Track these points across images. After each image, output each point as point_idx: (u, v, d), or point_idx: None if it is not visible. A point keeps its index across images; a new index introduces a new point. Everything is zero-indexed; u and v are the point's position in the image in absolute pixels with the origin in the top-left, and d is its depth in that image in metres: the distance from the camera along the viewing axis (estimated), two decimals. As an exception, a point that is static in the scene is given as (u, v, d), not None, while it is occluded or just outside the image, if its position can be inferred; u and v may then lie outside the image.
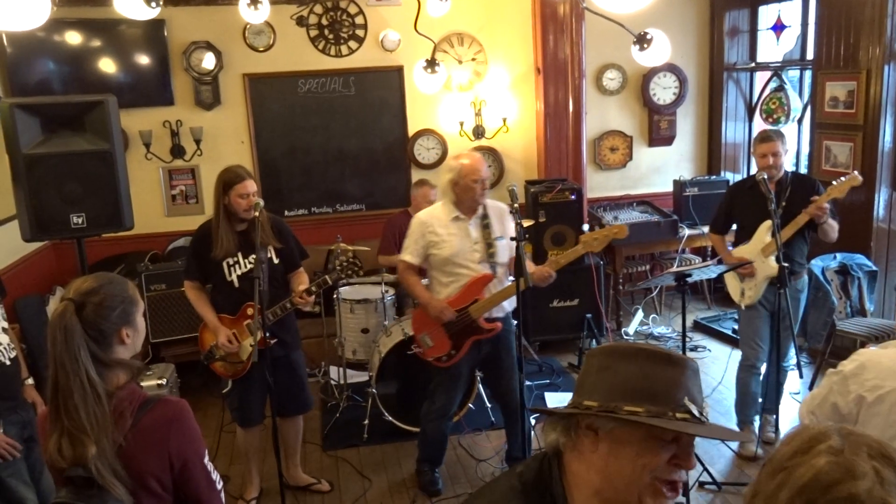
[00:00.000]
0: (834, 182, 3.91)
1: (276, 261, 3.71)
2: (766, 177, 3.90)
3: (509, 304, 3.84)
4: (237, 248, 3.62)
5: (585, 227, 3.64)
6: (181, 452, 1.85)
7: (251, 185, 3.59)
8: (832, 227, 3.98)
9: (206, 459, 1.92)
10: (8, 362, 2.92)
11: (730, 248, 4.41)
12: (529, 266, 3.62)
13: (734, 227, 4.37)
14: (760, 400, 4.27)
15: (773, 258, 3.99)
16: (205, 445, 1.94)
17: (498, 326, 3.78)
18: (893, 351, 2.23)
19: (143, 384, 1.97)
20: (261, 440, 3.95)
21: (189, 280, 3.75)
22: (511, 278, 3.75)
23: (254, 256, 3.57)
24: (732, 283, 4.29)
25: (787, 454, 1.03)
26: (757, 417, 4.28)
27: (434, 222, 3.74)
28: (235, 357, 3.71)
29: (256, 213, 3.53)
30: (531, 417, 4.34)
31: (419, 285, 3.85)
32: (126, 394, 1.85)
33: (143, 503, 1.82)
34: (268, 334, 3.48)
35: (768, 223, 3.98)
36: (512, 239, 3.39)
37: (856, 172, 3.97)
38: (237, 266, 3.65)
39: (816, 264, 4.85)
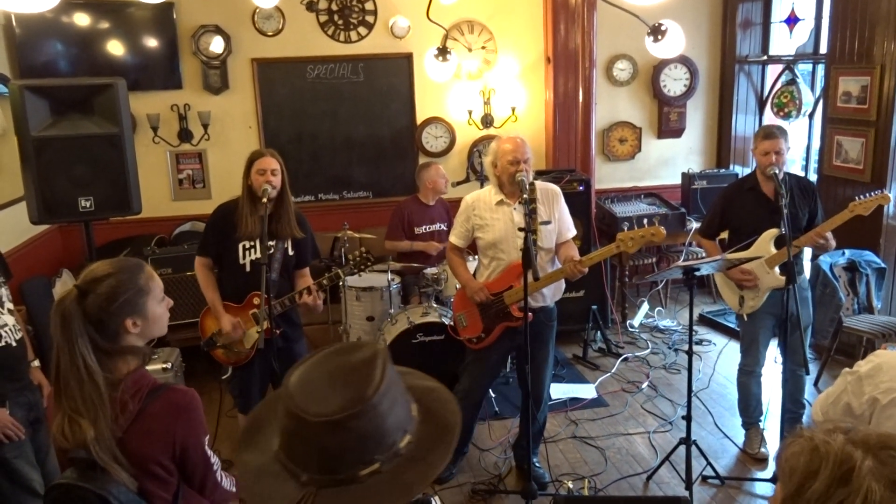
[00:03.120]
0: (858, 198, 3.73)
1: (290, 252, 3.68)
2: (776, 171, 3.72)
3: (552, 296, 3.77)
4: (259, 232, 3.54)
5: (625, 226, 3.53)
6: (185, 440, 1.87)
7: (271, 162, 3.54)
8: (829, 244, 3.84)
9: (207, 445, 1.94)
10: (14, 343, 2.92)
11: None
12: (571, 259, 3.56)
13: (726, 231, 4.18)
14: (774, 401, 4.18)
15: (777, 270, 3.86)
16: (207, 432, 1.96)
17: (528, 317, 3.58)
18: None
19: (147, 368, 1.98)
20: None
21: (201, 256, 3.70)
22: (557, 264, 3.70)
23: (271, 243, 3.55)
24: (728, 292, 4.10)
25: (821, 490, 0.99)
26: (762, 418, 4.26)
27: (480, 205, 3.71)
28: (238, 345, 3.69)
29: (264, 200, 3.47)
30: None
31: (462, 266, 3.85)
32: (135, 379, 1.86)
33: (146, 486, 1.84)
34: (273, 324, 3.47)
35: (772, 232, 3.83)
36: (520, 230, 3.34)
37: (884, 191, 3.76)
38: (252, 250, 3.61)
39: (825, 260, 4.83)
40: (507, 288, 3.66)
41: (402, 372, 1.30)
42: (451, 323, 4.06)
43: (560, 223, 3.73)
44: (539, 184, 3.72)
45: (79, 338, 1.77)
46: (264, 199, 3.47)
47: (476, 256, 3.99)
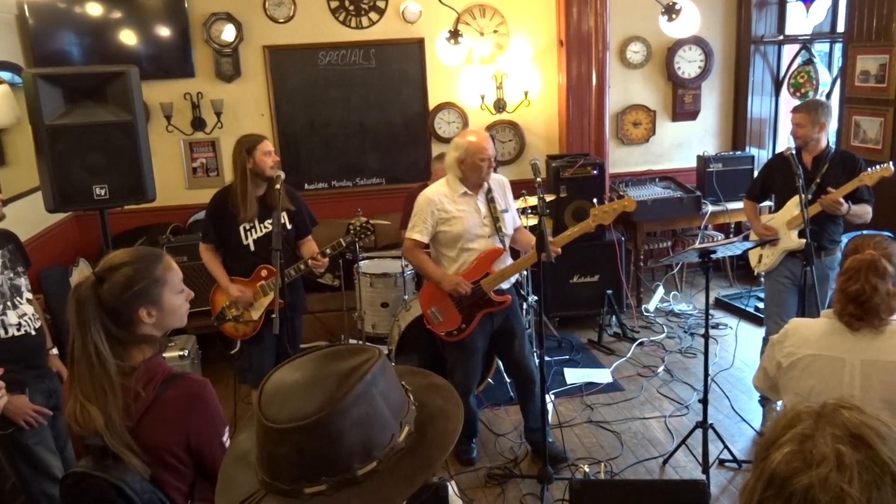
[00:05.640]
0: (869, 169, 3.86)
1: (289, 226, 3.88)
2: (794, 151, 3.87)
3: (513, 277, 3.93)
4: (257, 213, 3.79)
5: (595, 200, 3.73)
6: (199, 431, 1.85)
7: (270, 144, 3.82)
8: (857, 215, 3.94)
9: (225, 437, 1.91)
10: (33, 332, 2.95)
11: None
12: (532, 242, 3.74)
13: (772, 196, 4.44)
14: None
15: (795, 233, 4.00)
16: (225, 423, 1.94)
17: (508, 299, 3.83)
18: (817, 320, 2.36)
19: (164, 355, 1.97)
20: None
21: (206, 243, 3.92)
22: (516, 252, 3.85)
23: (269, 221, 3.78)
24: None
25: (765, 443, 1.01)
26: None
27: (442, 199, 3.75)
28: (247, 315, 3.88)
29: (278, 186, 3.67)
30: (550, 393, 4.34)
31: (430, 262, 3.86)
32: (150, 367, 1.85)
33: (161, 476, 1.83)
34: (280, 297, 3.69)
35: (800, 197, 3.92)
36: (536, 214, 3.37)
37: (889, 164, 3.85)
38: (253, 230, 3.83)
39: (844, 240, 4.78)
40: (484, 275, 3.74)
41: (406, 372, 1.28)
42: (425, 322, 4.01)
43: (513, 211, 3.95)
44: (492, 175, 3.84)
45: (92, 324, 1.78)
46: (277, 186, 3.68)
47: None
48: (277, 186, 3.66)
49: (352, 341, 5.39)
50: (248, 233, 3.83)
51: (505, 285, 3.85)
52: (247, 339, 3.94)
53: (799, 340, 2.32)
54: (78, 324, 1.78)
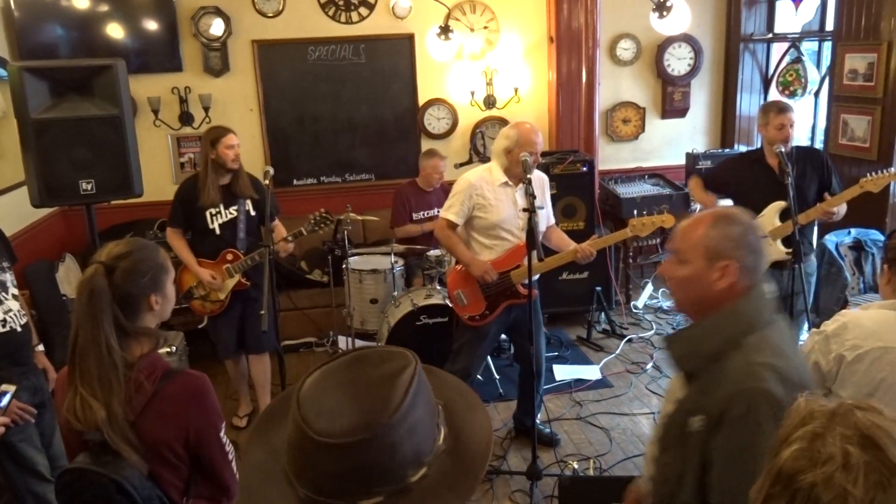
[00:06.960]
0: (869, 175, 3.77)
1: (252, 213, 4.18)
2: (783, 149, 3.74)
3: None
4: (220, 199, 4.06)
5: (633, 211, 3.75)
6: (198, 426, 1.85)
7: (235, 139, 4.06)
8: (839, 215, 3.88)
9: (222, 433, 1.92)
10: (19, 329, 2.92)
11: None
12: (567, 242, 3.84)
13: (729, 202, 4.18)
14: None
15: (780, 242, 3.89)
16: (222, 418, 1.94)
17: (534, 294, 3.80)
18: (874, 312, 2.30)
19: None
20: (243, 369, 4.50)
21: (173, 228, 4.17)
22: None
23: (234, 208, 4.10)
24: None
25: (777, 440, 1.02)
26: None
27: (483, 185, 3.73)
28: (215, 295, 4.17)
29: (267, 181, 3.90)
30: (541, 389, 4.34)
31: (461, 244, 3.84)
32: (148, 362, 1.84)
33: (158, 471, 1.82)
34: (245, 278, 4.14)
35: (778, 205, 3.85)
36: (524, 210, 3.38)
37: (893, 169, 3.78)
38: (219, 215, 4.10)
39: (830, 239, 4.80)
40: (515, 267, 3.74)
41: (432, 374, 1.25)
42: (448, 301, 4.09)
43: (548, 209, 3.94)
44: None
45: (104, 314, 1.76)
46: (266, 181, 3.97)
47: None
48: (267, 182, 3.88)
49: (341, 338, 5.38)
50: (214, 218, 4.09)
51: (535, 277, 3.81)
52: (214, 315, 4.24)
53: (863, 333, 2.26)
54: (89, 315, 1.76)
